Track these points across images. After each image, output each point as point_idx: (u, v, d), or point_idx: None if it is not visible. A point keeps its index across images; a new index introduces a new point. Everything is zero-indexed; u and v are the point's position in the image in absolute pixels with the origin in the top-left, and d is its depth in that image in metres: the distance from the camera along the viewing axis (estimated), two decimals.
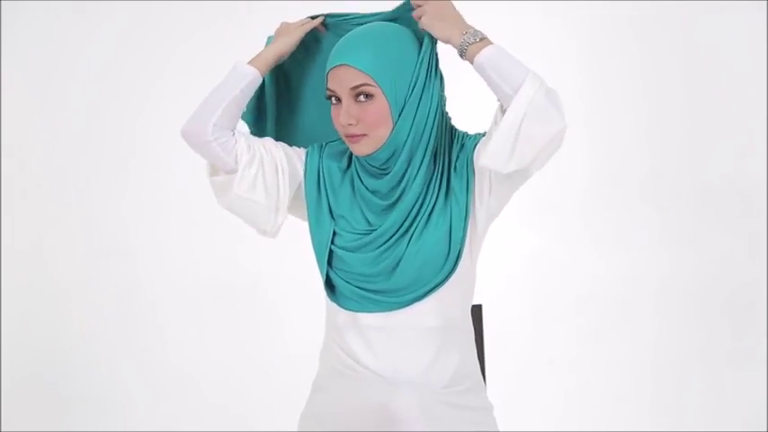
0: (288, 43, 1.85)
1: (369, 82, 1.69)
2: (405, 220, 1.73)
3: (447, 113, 1.80)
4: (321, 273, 1.80)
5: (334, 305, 1.80)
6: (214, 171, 1.82)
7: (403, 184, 1.74)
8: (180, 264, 3.69)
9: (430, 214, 1.73)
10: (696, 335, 3.67)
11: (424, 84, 1.72)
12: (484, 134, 1.75)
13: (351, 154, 1.83)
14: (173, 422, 3.52)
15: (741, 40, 3.67)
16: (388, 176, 1.75)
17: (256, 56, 1.84)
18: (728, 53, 3.68)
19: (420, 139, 1.73)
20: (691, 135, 3.70)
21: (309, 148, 1.85)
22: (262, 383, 3.55)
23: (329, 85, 1.73)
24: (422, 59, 1.72)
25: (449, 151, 1.77)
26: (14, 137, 3.68)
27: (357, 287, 1.76)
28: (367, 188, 1.78)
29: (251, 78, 1.80)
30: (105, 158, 3.71)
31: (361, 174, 1.79)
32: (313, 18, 1.89)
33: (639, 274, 3.69)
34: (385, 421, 1.76)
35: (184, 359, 3.64)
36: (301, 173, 1.83)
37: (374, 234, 1.74)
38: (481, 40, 1.66)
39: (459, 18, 1.70)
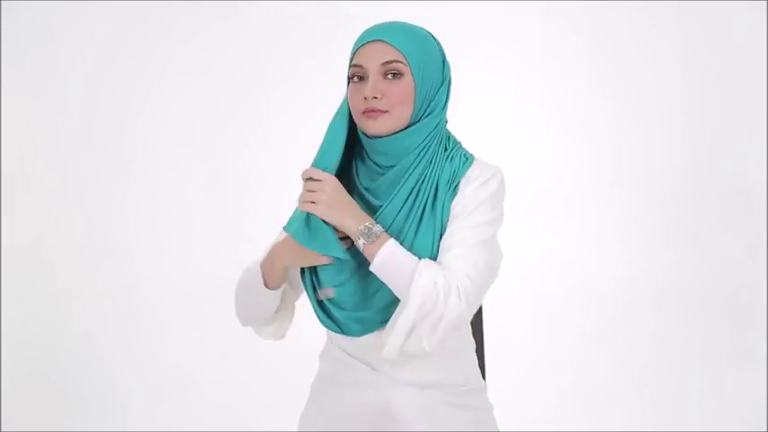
0: (299, 263, 1.81)
1: (401, 60, 1.71)
2: (394, 221, 1.73)
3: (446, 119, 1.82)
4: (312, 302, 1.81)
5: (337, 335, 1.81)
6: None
7: (401, 183, 1.74)
8: (180, 264, 3.69)
9: (420, 220, 1.73)
10: (696, 335, 3.67)
11: (448, 87, 1.76)
12: (471, 156, 1.78)
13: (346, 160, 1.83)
14: (173, 422, 3.52)
15: (741, 40, 3.68)
16: (389, 174, 1.75)
17: (269, 276, 1.84)
18: (729, 53, 3.68)
19: (432, 139, 1.76)
20: (691, 135, 3.71)
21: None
22: (262, 383, 3.55)
23: (357, 61, 1.73)
24: (445, 61, 1.76)
25: (442, 159, 1.77)
26: (14, 137, 3.68)
27: (352, 312, 1.76)
28: (365, 187, 1.78)
29: (278, 294, 1.87)
30: (105, 158, 3.71)
31: (360, 171, 1.79)
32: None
33: (640, 274, 3.69)
34: (385, 421, 1.76)
35: (184, 359, 3.64)
36: None
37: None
38: (376, 238, 1.68)
39: (353, 206, 1.71)
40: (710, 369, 3.64)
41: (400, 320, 1.65)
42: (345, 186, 1.79)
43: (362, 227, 1.68)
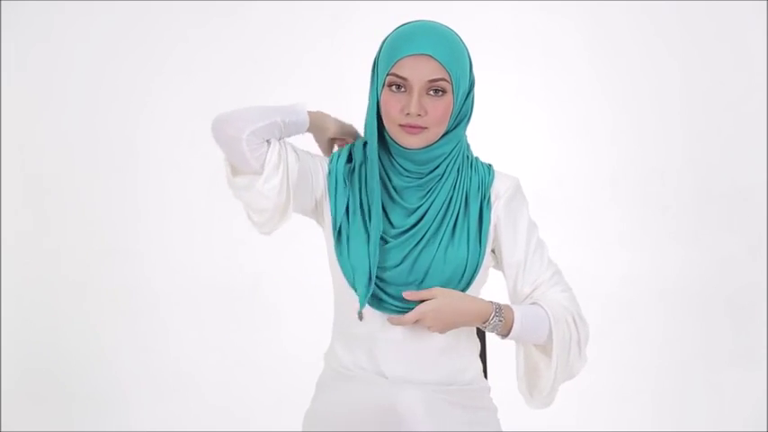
0: (334, 129, 1.85)
1: (446, 78, 1.70)
2: (431, 223, 1.75)
3: None
4: (361, 283, 1.76)
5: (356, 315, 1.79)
6: (235, 172, 1.79)
7: (437, 189, 1.76)
8: (180, 264, 3.68)
9: (455, 225, 1.77)
10: (697, 335, 3.66)
11: (474, 94, 1.78)
12: (490, 165, 1.83)
13: (362, 158, 1.82)
14: (174, 422, 3.51)
15: (741, 40, 3.67)
16: (424, 179, 1.76)
17: (311, 113, 1.82)
18: (729, 53, 3.68)
19: (461, 147, 1.79)
20: (691, 135, 3.70)
21: (333, 156, 1.84)
22: (262, 384, 3.54)
23: (401, 72, 1.70)
24: (472, 68, 1.78)
25: (467, 166, 1.80)
26: (16, 136, 3.68)
27: (391, 296, 1.77)
28: (395, 188, 1.78)
29: (301, 120, 1.79)
30: (106, 158, 3.70)
31: (390, 174, 1.78)
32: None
33: (640, 275, 3.68)
34: (390, 421, 1.76)
35: (185, 359, 3.63)
36: (322, 183, 1.82)
37: (408, 234, 1.75)
38: (502, 321, 1.75)
39: (466, 309, 1.75)
40: (711, 369, 3.64)
41: (558, 363, 1.78)
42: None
43: (492, 317, 1.74)
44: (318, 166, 1.82)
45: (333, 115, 1.86)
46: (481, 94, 1.94)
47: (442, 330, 1.73)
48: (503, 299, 1.83)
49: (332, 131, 1.84)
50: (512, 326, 1.74)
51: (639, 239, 3.70)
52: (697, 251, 3.68)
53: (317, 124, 1.81)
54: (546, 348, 1.79)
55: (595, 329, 3.62)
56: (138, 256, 3.69)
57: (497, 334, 1.77)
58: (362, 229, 1.77)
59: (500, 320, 1.73)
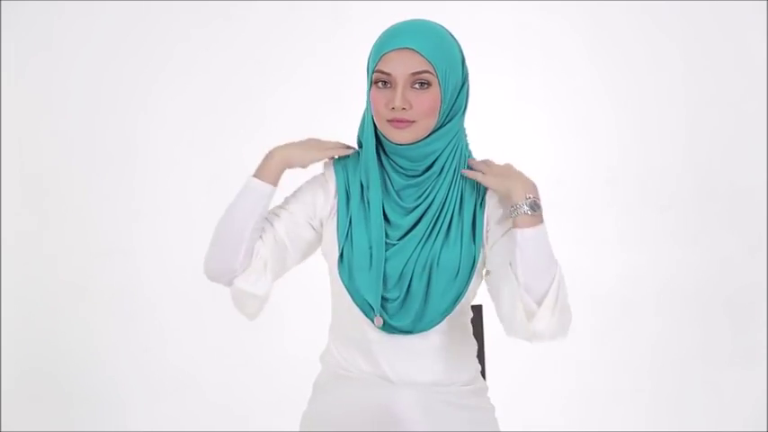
0: (303, 159, 1.81)
1: (430, 70, 1.69)
2: (430, 224, 1.74)
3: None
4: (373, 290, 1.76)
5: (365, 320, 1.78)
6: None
7: (435, 189, 1.75)
8: (180, 264, 3.68)
9: (449, 225, 1.75)
10: (696, 335, 3.67)
11: (468, 89, 1.77)
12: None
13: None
14: (173, 422, 3.52)
15: (741, 40, 3.67)
16: (420, 178, 1.75)
17: (264, 167, 1.80)
18: (729, 53, 3.68)
19: (457, 144, 1.77)
20: (692, 135, 3.70)
21: (336, 173, 1.82)
22: (261, 384, 3.54)
23: (384, 68, 1.70)
24: (464, 63, 1.76)
25: (464, 165, 1.79)
26: (15, 137, 3.68)
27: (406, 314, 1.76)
28: (394, 188, 1.77)
29: (268, 194, 1.79)
30: (105, 158, 3.71)
31: (390, 173, 1.78)
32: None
33: (640, 275, 3.69)
34: (387, 421, 1.76)
35: (184, 359, 3.64)
36: (321, 211, 1.82)
37: (408, 236, 1.75)
38: (535, 213, 1.68)
39: (523, 177, 1.71)
40: (711, 369, 3.64)
41: (551, 293, 1.69)
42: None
43: (527, 199, 1.68)
44: (316, 197, 1.82)
45: (306, 135, 1.87)
46: (481, 93, 1.95)
47: (493, 178, 1.71)
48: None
49: (307, 158, 1.81)
50: (540, 223, 1.68)
51: (639, 239, 3.71)
52: (696, 251, 3.69)
53: (281, 173, 1.80)
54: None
55: (594, 329, 3.66)
56: (138, 256, 3.70)
57: (518, 222, 1.67)
58: (366, 254, 1.75)
59: (536, 207, 1.68)
